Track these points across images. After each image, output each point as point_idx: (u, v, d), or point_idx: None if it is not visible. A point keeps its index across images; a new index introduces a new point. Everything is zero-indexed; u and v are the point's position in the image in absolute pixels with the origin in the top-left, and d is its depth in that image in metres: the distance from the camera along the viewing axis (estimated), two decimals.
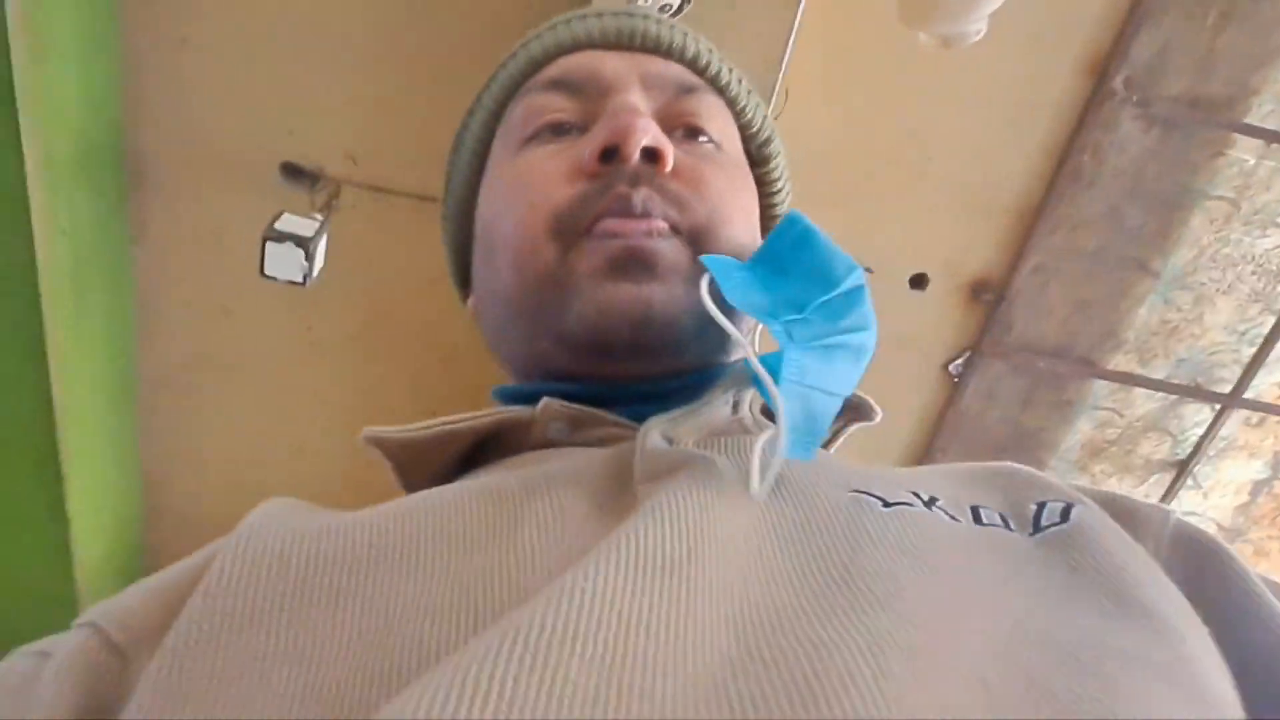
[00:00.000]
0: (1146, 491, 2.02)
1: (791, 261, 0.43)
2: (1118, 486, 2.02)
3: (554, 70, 0.49)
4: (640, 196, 0.42)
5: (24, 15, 1.25)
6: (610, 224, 0.42)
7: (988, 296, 1.85)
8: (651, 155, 0.44)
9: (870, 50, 1.64)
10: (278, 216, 1.45)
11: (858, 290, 0.42)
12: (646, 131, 0.43)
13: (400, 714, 0.22)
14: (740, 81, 0.54)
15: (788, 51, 1.40)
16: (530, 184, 0.45)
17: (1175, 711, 0.26)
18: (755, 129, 0.55)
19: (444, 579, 0.31)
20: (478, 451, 0.45)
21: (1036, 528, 0.36)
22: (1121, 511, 0.39)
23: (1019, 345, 1.89)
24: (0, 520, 1.77)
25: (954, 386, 1.94)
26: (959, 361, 1.91)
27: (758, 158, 0.55)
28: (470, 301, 0.55)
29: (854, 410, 0.48)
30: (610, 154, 0.43)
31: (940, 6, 1.16)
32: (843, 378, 0.40)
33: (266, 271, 1.46)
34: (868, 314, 0.42)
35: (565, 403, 0.43)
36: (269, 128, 1.64)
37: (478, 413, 0.44)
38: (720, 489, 0.33)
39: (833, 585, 0.30)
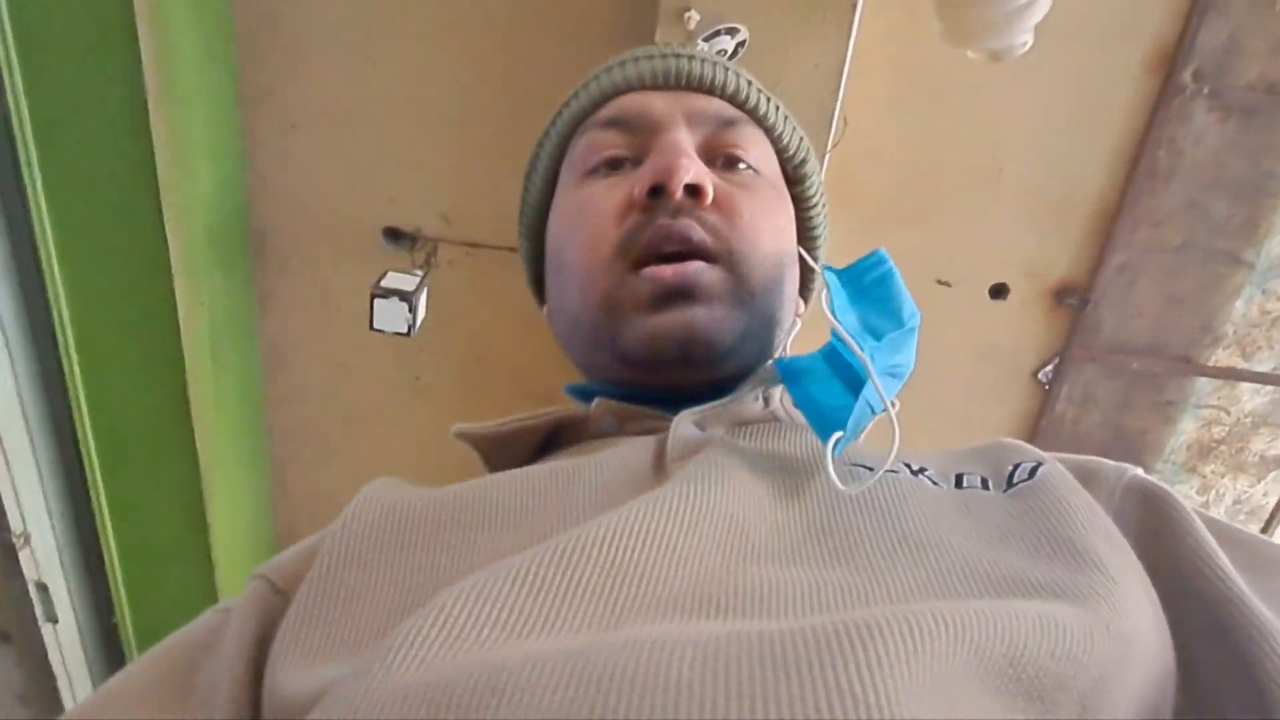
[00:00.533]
0: (1265, 490, 1.94)
1: (870, 292, 0.49)
2: (1232, 488, 1.94)
3: (610, 110, 0.56)
4: (681, 228, 0.49)
5: (166, 121, 1.44)
6: (652, 271, 0.49)
7: (1072, 300, 1.84)
8: (693, 190, 0.50)
9: (930, 65, 1.68)
10: (383, 275, 1.59)
11: (914, 332, 0.48)
12: (688, 170, 0.49)
13: (441, 599, 0.30)
14: (778, 109, 0.60)
15: (843, 80, 1.46)
16: (591, 216, 0.53)
17: (1068, 631, 0.30)
18: (791, 152, 0.60)
19: (511, 531, 0.39)
20: (551, 441, 0.54)
21: (1009, 485, 0.42)
22: (1087, 473, 0.44)
23: (1110, 347, 1.86)
24: (153, 566, 1.96)
25: (1045, 394, 1.92)
26: (1048, 369, 1.90)
27: (794, 177, 0.61)
28: (545, 310, 0.63)
29: None
30: (658, 190, 0.50)
31: (982, 25, 1.20)
32: (881, 402, 0.46)
33: (375, 325, 1.60)
34: (914, 353, 0.49)
35: (614, 401, 0.51)
36: (371, 197, 1.81)
37: (545, 410, 0.52)
38: (739, 461, 0.41)
39: (808, 537, 0.37)
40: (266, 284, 1.89)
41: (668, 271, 0.48)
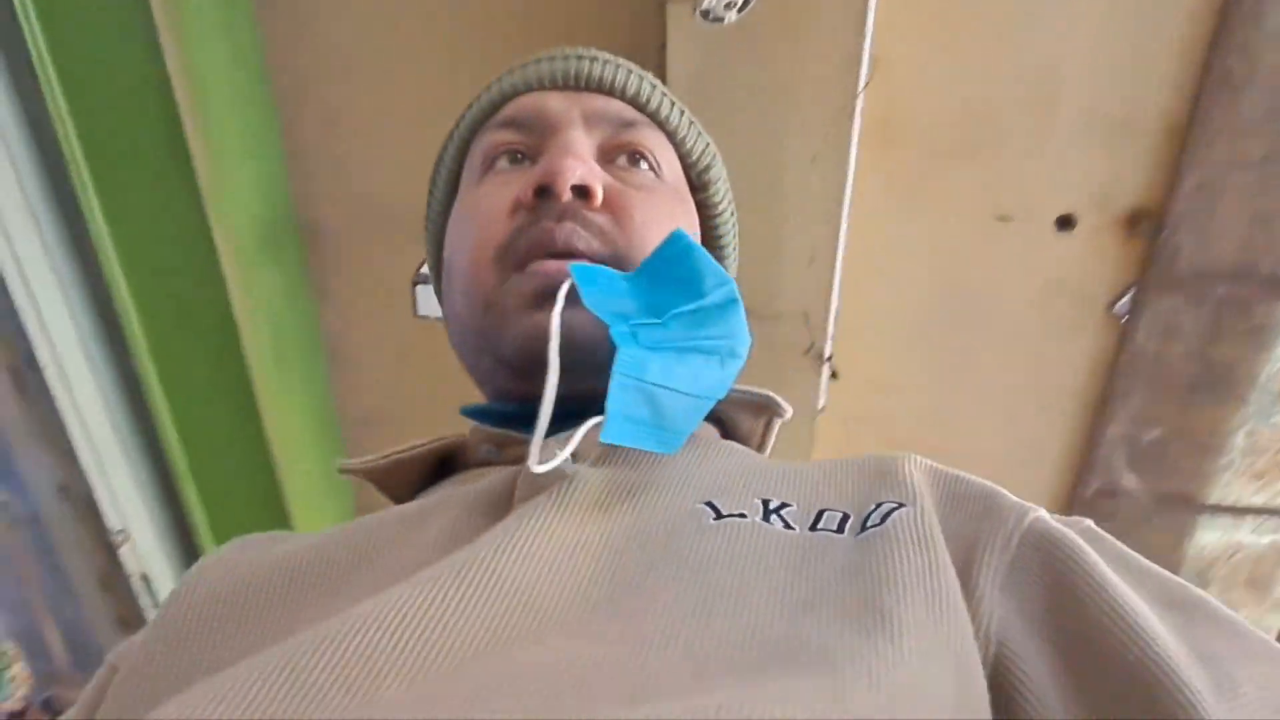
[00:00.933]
0: None
1: (666, 275, 0.46)
2: None
3: (507, 111, 0.56)
4: (564, 232, 0.48)
5: (196, 124, 1.48)
6: (536, 265, 0.48)
7: (1146, 226, 1.72)
8: (582, 191, 0.49)
9: None
10: (422, 263, 1.61)
11: (728, 304, 0.45)
12: (574, 170, 0.48)
13: (162, 713, 0.28)
14: (681, 114, 0.59)
15: (869, 17, 1.38)
16: (479, 217, 0.52)
17: (818, 709, 0.27)
18: (695, 157, 0.59)
19: (330, 596, 0.38)
20: (447, 464, 0.53)
21: (864, 528, 0.38)
22: (983, 510, 0.40)
23: (1191, 273, 1.73)
24: None
25: (1123, 329, 1.81)
26: (1124, 301, 1.78)
27: (698, 184, 0.59)
28: (442, 302, 0.62)
29: (767, 409, 0.51)
30: (545, 191, 0.49)
31: None
32: (702, 381, 0.43)
33: (419, 312, 1.63)
34: (736, 326, 0.45)
35: (488, 428, 0.49)
36: (413, 184, 1.82)
37: (423, 441, 0.51)
38: (573, 506, 0.39)
39: (609, 599, 0.34)
40: (322, 277, 1.94)
41: (550, 266, 0.47)
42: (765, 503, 0.40)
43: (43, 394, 1.70)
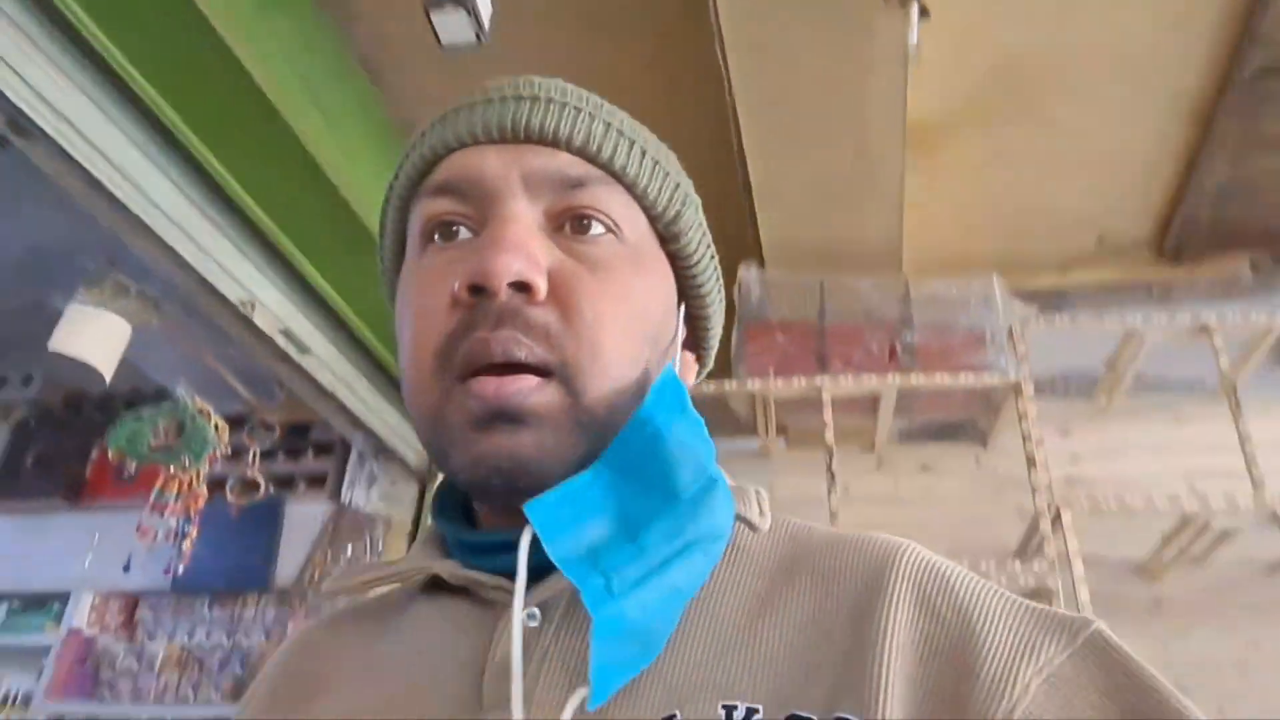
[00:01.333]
0: None
1: (636, 470, 0.43)
2: None
3: (441, 174, 0.50)
4: (500, 343, 0.43)
5: None
6: (476, 384, 0.43)
7: None
8: (523, 285, 0.44)
9: None
10: None
11: (708, 489, 0.42)
12: (510, 267, 0.43)
13: None
14: (642, 157, 0.51)
15: None
16: (417, 313, 0.47)
17: None
18: (661, 209, 0.51)
19: None
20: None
21: None
22: (962, 667, 0.38)
23: None
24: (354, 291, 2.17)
25: None
26: None
27: (667, 235, 0.52)
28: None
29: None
30: (480, 290, 0.44)
31: None
32: (684, 582, 0.41)
33: (444, 43, 1.46)
34: (718, 504, 0.43)
35: (459, 569, 0.47)
36: None
37: (397, 567, 0.50)
38: (556, 676, 0.41)
39: None
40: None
41: (490, 388, 0.43)
42: (730, 710, 0.38)
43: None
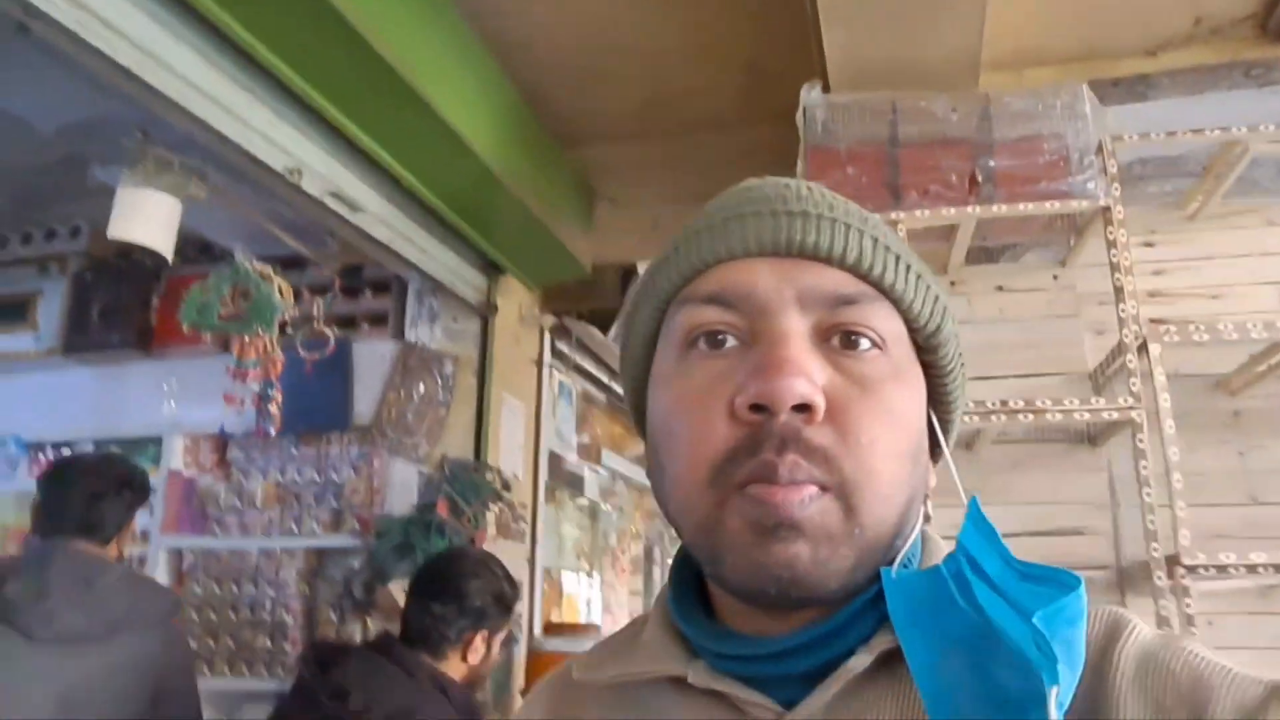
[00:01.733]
0: None
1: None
2: None
3: (710, 285, 0.51)
4: (786, 466, 0.45)
5: None
6: (758, 490, 0.45)
7: None
8: (803, 406, 0.46)
9: None
10: None
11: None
12: (794, 390, 0.45)
13: None
14: (908, 271, 0.51)
15: None
16: (695, 418, 0.48)
17: None
18: (923, 322, 0.52)
19: None
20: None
21: None
22: None
23: None
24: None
25: None
26: None
27: (926, 346, 0.54)
28: (649, 473, 0.57)
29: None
30: (762, 408, 0.46)
31: None
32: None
33: None
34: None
35: (714, 674, 0.49)
36: None
37: (645, 668, 0.53)
38: None
39: None
40: None
41: (777, 495, 0.45)
42: None
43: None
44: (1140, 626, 0.47)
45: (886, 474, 0.47)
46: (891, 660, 0.46)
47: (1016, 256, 2.26)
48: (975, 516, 0.48)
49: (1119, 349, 1.82)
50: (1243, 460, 2.02)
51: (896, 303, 0.51)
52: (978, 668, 0.41)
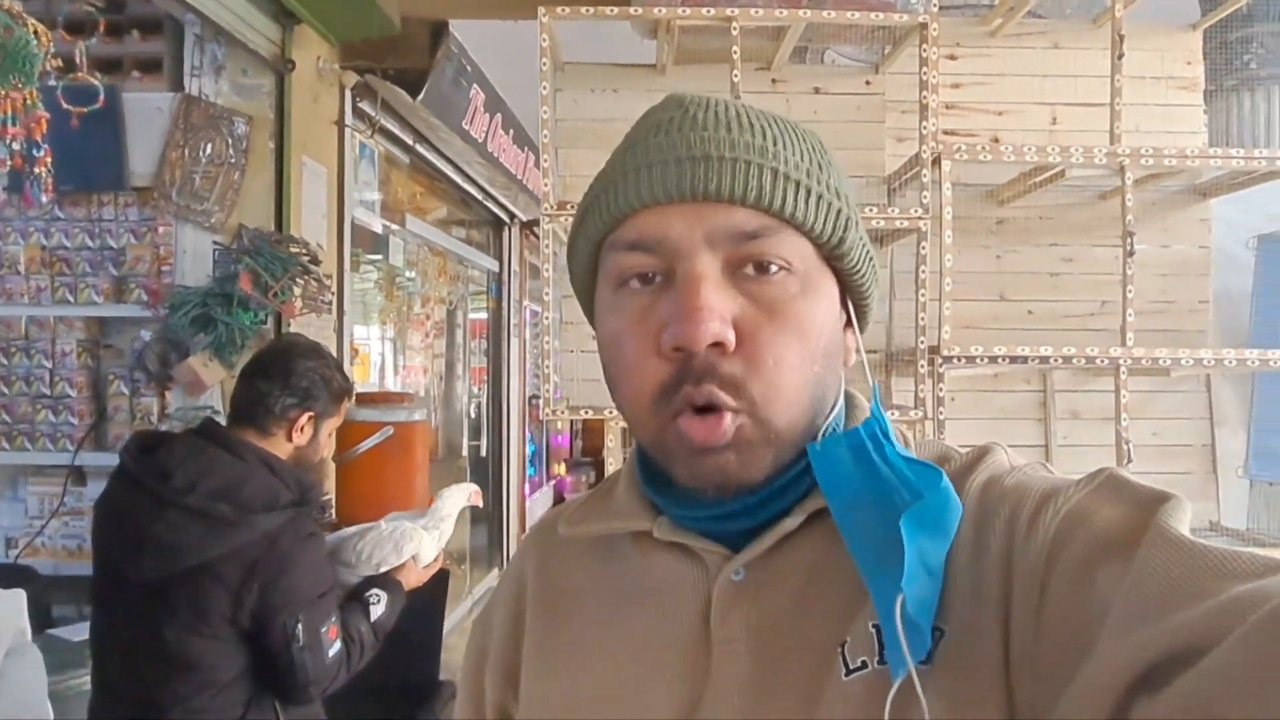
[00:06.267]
0: None
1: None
2: None
3: (631, 233, 0.58)
4: (704, 395, 0.54)
5: None
6: (687, 424, 0.55)
7: None
8: (715, 343, 0.54)
9: None
10: None
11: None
12: (706, 334, 0.53)
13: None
14: (807, 197, 0.57)
15: None
16: (629, 356, 0.58)
17: None
18: (826, 238, 0.59)
19: (579, 668, 0.62)
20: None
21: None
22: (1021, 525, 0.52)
23: None
24: None
25: None
26: None
27: (832, 256, 0.60)
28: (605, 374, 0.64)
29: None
30: (682, 349, 0.54)
31: None
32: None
33: None
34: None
35: (676, 529, 0.61)
36: None
37: (618, 524, 0.64)
38: (778, 622, 0.56)
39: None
40: None
41: (699, 433, 0.55)
42: (877, 630, 0.52)
43: None
44: (998, 460, 0.58)
45: (793, 384, 0.56)
46: (821, 515, 0.57)
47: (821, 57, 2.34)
48: (878, 401, 0.61)
49: (915, 160, 1.99)
50: (999, 262, 2.33)
51: (799, 227, 0.58)
52: (887, 508, 0.52)
